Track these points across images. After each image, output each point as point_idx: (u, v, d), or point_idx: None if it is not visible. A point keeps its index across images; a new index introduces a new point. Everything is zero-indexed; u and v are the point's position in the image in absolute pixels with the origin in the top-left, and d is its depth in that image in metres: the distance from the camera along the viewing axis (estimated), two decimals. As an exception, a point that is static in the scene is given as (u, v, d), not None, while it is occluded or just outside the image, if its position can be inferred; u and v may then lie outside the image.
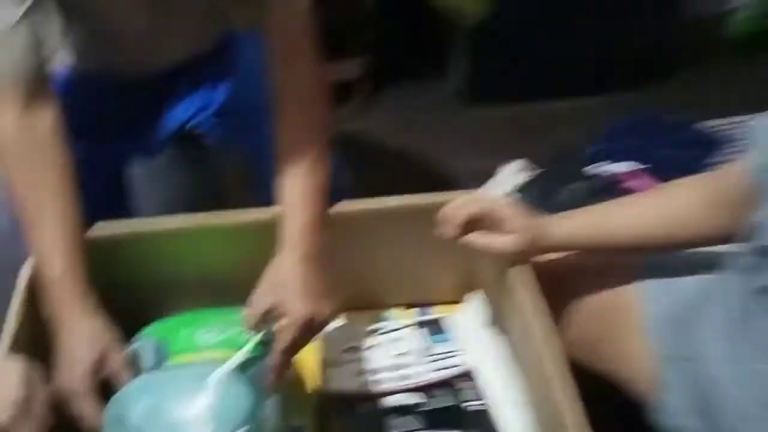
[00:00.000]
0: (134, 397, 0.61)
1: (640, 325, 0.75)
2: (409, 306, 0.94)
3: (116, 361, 0.67)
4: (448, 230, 0.76)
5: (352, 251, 0.84)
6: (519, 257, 0.76)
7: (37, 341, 0.68)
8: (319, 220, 0.74)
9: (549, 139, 1.67)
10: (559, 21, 1.75)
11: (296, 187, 0.75)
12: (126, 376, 0.67)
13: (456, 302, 0.94)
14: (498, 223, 0.74)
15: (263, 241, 0.73)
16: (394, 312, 0.93)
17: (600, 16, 1.77)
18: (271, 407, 0.65)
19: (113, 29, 0.88)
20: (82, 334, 0.66)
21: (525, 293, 0.73)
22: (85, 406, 0.63)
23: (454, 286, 0.93)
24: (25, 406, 0.59)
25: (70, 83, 0.93)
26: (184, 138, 1.31)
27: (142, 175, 1.14)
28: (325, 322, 0.71)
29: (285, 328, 0.68)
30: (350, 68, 1.76)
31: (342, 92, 1.78)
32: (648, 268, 0.77)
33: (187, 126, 1.01)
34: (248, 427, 0.60)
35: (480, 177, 0.85)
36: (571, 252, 0.80)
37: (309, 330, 0.69)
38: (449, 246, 0.78)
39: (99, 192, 0.91)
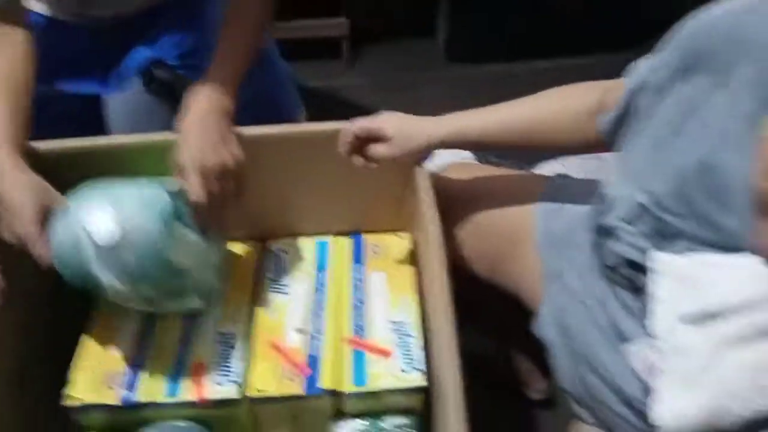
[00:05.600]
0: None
1: (532, 243, 0.81)
2: (345, 234, 1.03)
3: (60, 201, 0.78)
4: (341, 151, 0.83)
5: (289, 175, 0.93)
6: (409, 160, 0.83)
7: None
8: (233, 87, 0.85)
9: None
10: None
11: (218, 62, 0.87)
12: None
13: (396, 231, 1.02)
14: (381, 134, 0.81)
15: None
16: (329, 239, 1.02)
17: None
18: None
19: None
20: (24, 184, 0.77)
21: (423, 202, 0.81)
22: (40, 246, 0.74)
23: (391, 214, 1.00)
24: None
25: (40, 26, 1.02)
26: (156, 78, 1.41)
27: (117, 114, 1.24)
28: (229, 169, 0.81)
29: (189, 177, 0.79)
30: (337, 25, 1.82)
31: (329, 48, 1.85)
32: (547, 192, 0.83)
33: (157, 65, 1.09)
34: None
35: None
36: (476, 173, 0.87)
37: (212, 177, 0.79)
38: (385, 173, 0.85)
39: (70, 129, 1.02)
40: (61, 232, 0.75)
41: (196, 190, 0.79)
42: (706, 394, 0.49)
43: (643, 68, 0.64)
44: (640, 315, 0.61)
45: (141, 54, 1.06)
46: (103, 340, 0.88)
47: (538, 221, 0.82)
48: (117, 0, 1.02)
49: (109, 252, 0.73)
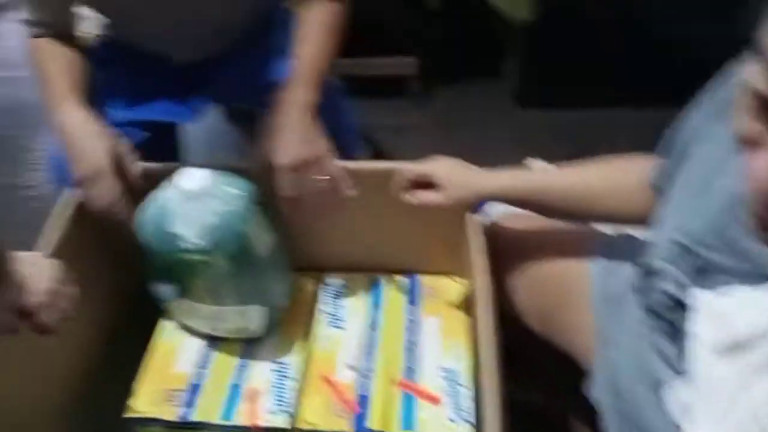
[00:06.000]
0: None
1: (586, 301, 0.82)
2: (400, 272, 1.05)
3: (124, 146, 0.87)
4: (394, 193, 0.87)
5: (349, 211, 0.95)
6: (460, 208, 0.86)
7: (72, 256, 0.84)
8: (315, 84, 0.91)
9: (593, 148, 1.71)
10: (615, 27, 1.77)
11: (301, 61, 0.94)
12: (133, 160, 0.87)
13: (452, 274, 1.04)
14: (433, 180, 0.84)
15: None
16: (385, 277, 1.05)
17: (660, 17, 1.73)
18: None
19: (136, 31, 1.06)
20: (88, 125, 0.86)
21: (473, 250, 0.83)
22: (113, 184, 0.83)
23: (447, 257, 1.02)
24: (54, 297, 0.73)
25: (127, 58, 1.10)
26: (234, 110, 1.48)
27: (195, 140, 1.31)
28: (322, 162, 0.86)
29: (281, 169, 0.84)
30: (406, 64, 1.87)
31: (398, 86, 1.90)
32: (601, 247, 0.84)
33: (232, 98, 1.15)
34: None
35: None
36: (533, 224, 0.88)
37: (305, 169, 0.84)
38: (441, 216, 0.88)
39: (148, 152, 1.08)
40: (153, 194, 0.83)
41: (288, 186, 0.85)
42: (735, 427, 0.48)
43: (686, 116, 0.67)
44: (679, 363, 0.61)
45: (217, 88, 1.13)
46: (167, 357, 0.93)
47: (592, 278, 0.82)
48: (187, 50, 1.09)
49: (193, 199, 0.80)
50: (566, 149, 1.71)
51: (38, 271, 0.74)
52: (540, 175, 0.82)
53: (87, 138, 0.86)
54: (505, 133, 1.85)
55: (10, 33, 2.61)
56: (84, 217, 0.90)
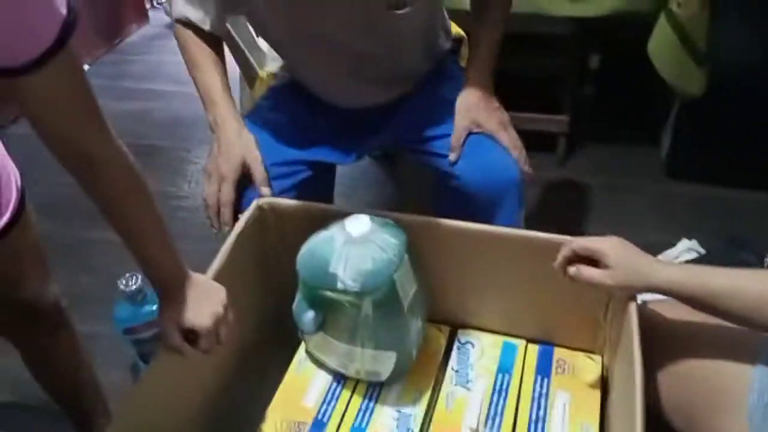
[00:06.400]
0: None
1: (742, 412, 0.76)
2: (535, 341, 1.03)
3: (257, 161, 1.00)
4: (557, 263, 0.85)
5: (495, 272, 0.97)
6: (622, 292, 0.83)
7: (232, 280, 0.89)
8: (490, 68, 1.10)
9: (738, 229, 1.62)
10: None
11: (478, 50, 1.11)
12: (263, 176, 1.00)
13: (585, 351, 1.00)
14: (601, 258, 0.81)
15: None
16: (517, 343, 1.03)
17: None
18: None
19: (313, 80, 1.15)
20: (234, 133, 1.00)
21: (630, 338, 0.79)
22: (229, 191, 0.95)
23: (587, 334, 0.99)
24: (218, 322, 0.77)
25: (304, 104, 1.16)
26: (386, 155, 1.52)
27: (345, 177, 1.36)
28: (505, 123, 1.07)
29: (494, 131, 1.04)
30: (556, 122, 1.85)
31: (547, 141, 1.87)
32: (763, 354, 0.78)
33: (394, 146, 1.19)
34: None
35: (651, 250, 0.88)
36: (687, 315, 0.83)
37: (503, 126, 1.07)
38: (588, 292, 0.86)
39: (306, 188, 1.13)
40: (320, 233, 0.90)
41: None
42: None
43: None
44: None
45: (382, 135, 1.16)
46: (298, 388, 0.96)
47: (753, 385, 0.76)
48: (353, 97, 1.14)
49: (356, 243, 0.85)
50: (709, 226, 1.66)
51: (207, 295, 0.79)
52: (712, 273, 0.77)
53: (230, 144, 0.99)
54: (647, 202, 1.78)
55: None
56: (246, 244, 0.96)
